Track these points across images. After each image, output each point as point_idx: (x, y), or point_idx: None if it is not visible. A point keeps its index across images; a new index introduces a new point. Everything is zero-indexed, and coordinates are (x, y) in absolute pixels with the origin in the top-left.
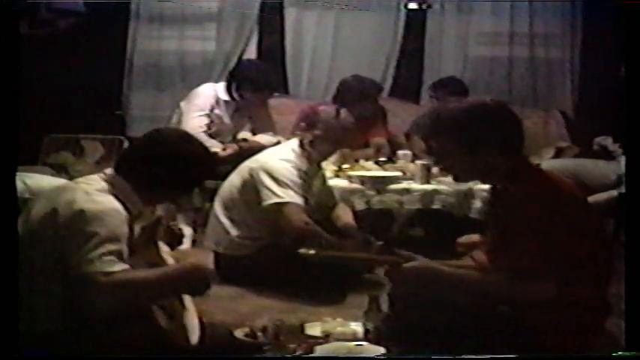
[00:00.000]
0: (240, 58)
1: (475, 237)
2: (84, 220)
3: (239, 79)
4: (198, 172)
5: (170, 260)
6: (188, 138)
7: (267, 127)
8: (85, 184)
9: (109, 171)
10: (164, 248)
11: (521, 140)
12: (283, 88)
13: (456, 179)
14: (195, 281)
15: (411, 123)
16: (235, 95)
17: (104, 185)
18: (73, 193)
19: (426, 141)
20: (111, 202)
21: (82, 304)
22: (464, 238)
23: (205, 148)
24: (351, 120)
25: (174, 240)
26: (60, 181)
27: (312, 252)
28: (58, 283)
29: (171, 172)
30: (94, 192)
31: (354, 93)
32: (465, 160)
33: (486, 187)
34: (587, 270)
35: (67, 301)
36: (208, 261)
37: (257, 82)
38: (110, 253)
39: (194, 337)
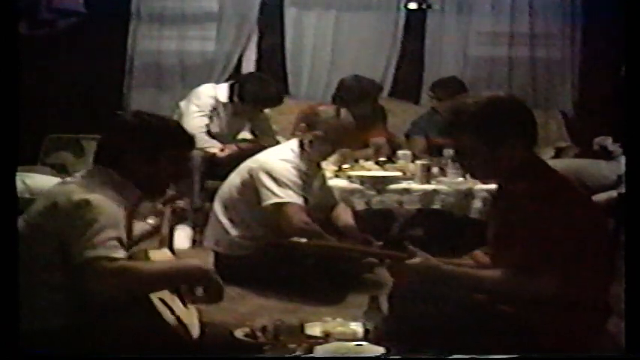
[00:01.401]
0: (240, 58)
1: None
2: (84, 209)
3: (241, 91)
4: (176, 147)
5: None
6: (149, 115)
7: (266, 128)
8: (81, 178)
9: (96, 165)
10: (167, 252)
11: (537, 133)
12: (283, 88)
13: (474, 177)
14: (203, 283)
15: (410, 123)
16: (236, 99)
17: (97, 179)
18: (72, 186)
19: (443, 140)
20: (108, 193)
21: (85, 294)
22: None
23: (173, 123)
24: (351, 120)
25: (179, 216)
26: (57, 180)
27: (303, 240)
28: (61, 278)
29: (150, 152)
30: (93, 185)
31: (354, 93)
32: (487, 155)
33: (486, 187)
34: (589, 269)
35: (70, 294)
36: (209, 262)
37: (258, 97)
38: (112, 238)
39: (194, 335)
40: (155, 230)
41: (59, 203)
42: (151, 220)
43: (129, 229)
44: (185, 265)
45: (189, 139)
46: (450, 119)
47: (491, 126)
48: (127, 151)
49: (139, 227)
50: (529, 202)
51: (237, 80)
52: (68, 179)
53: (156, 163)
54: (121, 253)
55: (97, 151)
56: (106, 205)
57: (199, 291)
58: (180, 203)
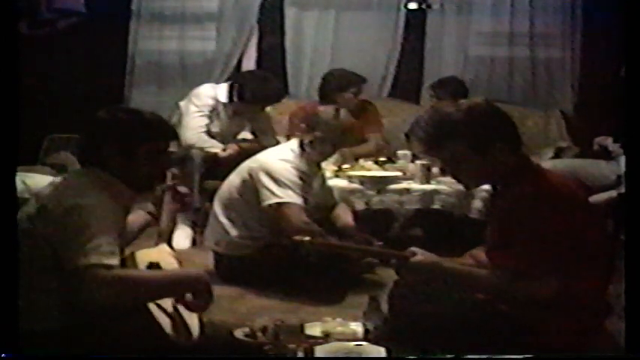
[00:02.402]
0: (240, 58)
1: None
2: (75, 215)
3: (240, 90)
4: (153, 140)
5: (172, 261)
6: (122, 110)
7: (266, 128)
8: (72, 178)
9: (82, 166)
10: (166, 248)
11: (519, 135)
12: (283, 89)
13: (467, 187)
14: (196, 293)
15: (411, 124)
16: (235, 99)
17: (88, 178)
18: (62, 188)
19: (428, 151)
20: (99, 195)
21: (79, 299)
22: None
23: (150, 115)
24: (350, 120)
25: (180, 203)
26: (49, 179)
27: (306, 239)
28: (56, 282)
29: (127, 146)
30: (83, 187)
31: (334, 84)
32: (476, 162)
33: (486, 187)
34: (588, 270)
35: (65, 298)
36: (209, 262)
37: (258, 94)
38: (104, 245)
39: (194, 335)
40: (154, 219)
41: (49, 207)
42: (149, 207)
43: (123, 229)
44: (184, 274)
45: (168, 131)
46: (433, 131)
47: (476, 131)
48: (104, 148)
49: (136, 217)
50: (523, 205)
51: (236, 79)
52: (58, 180)
53: (135, 157)
54: (114, 260)
55: (79, 152)
56: (98, 209)
57: (188, 296)
58: (182, 189)
